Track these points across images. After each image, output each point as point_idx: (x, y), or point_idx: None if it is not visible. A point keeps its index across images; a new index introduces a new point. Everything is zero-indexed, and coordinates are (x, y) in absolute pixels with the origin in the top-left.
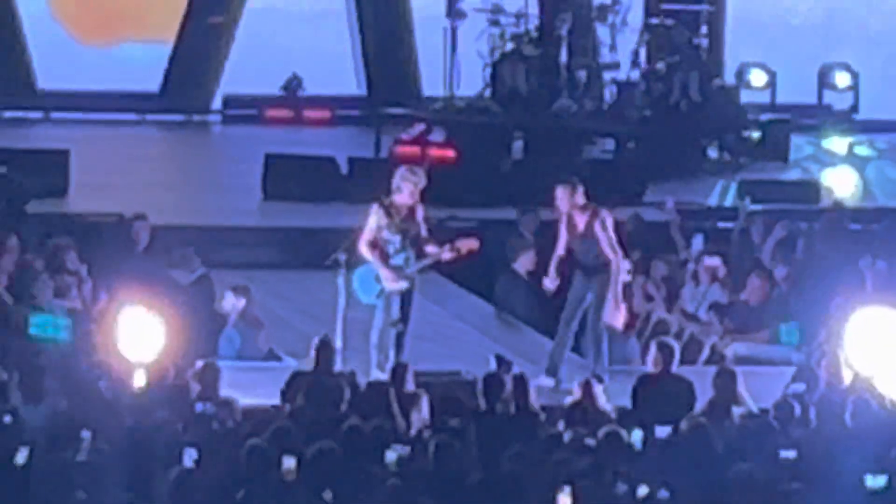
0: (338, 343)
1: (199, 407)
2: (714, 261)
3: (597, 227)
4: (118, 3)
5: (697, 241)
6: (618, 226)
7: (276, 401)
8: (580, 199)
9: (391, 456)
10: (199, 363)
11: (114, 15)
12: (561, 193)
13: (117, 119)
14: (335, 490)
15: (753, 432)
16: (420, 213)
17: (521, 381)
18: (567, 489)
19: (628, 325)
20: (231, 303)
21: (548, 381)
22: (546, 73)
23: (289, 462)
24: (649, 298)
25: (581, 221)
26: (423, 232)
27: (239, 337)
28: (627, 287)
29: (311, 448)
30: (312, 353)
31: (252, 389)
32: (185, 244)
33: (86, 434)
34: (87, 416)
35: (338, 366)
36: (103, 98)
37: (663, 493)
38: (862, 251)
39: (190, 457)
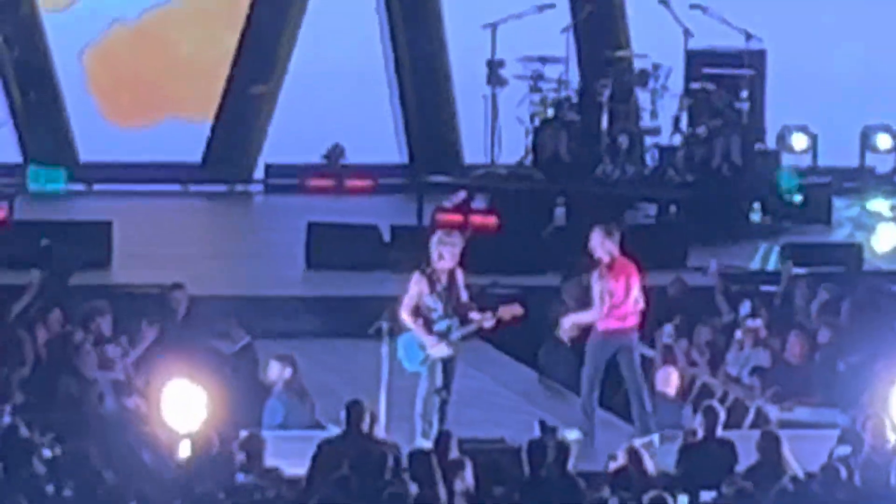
0: (382, 411)
1: (240, 478)
2: (756, 324)
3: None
4: (157, 83)
5: (745, 307)
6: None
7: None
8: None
9: None
10: (244, 433)
11: (153, 96)
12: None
13: (160, 190)
14: None
15: (799, 496)
16: (461, 279)
17: (562, 448)
18: None
19: (678, 391)
20: (276, 372)
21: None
22: (587, 138)
23: None
24: (693, 363)
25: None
26: (465, 298)
27: (283, 407)
28: (671, 352)
29: None
30: (343, 415)
31: (296, 459)
32: (229, 314)
33: None
34: (131, 487)
35: (382, 434)
36: (145, 169)
37: None
38: None
39: None
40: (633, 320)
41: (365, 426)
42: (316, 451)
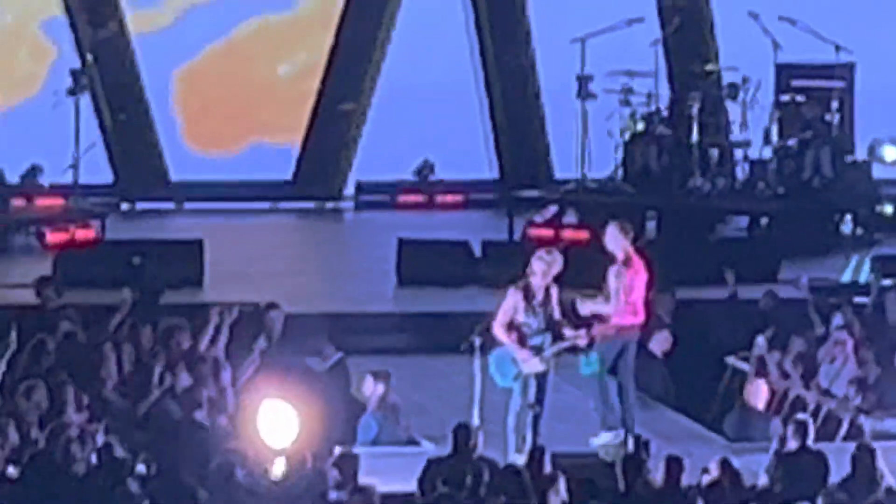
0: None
1: (333, 496)
2: (847, 337)
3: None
4: (244, 107)
5: (837, 319)
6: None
7: (414, 487)
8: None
9: None
10: (338, 450)
11: (239, 121)
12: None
13: (250, 208)
14: None
15: None
16: (556, 295)
17: (676, 463)
18: None
19: (768, 404)
20: (370, 389)
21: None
22: (677, 152)
23: None
24: (785, 376)
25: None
26: (558, 314)
27: (377, 423)
28: (763, 364)
29: None
30: (450, 436)
31: (390, 476)
32: (320, 331)
33: None
34: None
35: (478, 450)
36: (235, 187)
37: None
38: None
39: None
40: (643, 316)
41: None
42: (423, 470)
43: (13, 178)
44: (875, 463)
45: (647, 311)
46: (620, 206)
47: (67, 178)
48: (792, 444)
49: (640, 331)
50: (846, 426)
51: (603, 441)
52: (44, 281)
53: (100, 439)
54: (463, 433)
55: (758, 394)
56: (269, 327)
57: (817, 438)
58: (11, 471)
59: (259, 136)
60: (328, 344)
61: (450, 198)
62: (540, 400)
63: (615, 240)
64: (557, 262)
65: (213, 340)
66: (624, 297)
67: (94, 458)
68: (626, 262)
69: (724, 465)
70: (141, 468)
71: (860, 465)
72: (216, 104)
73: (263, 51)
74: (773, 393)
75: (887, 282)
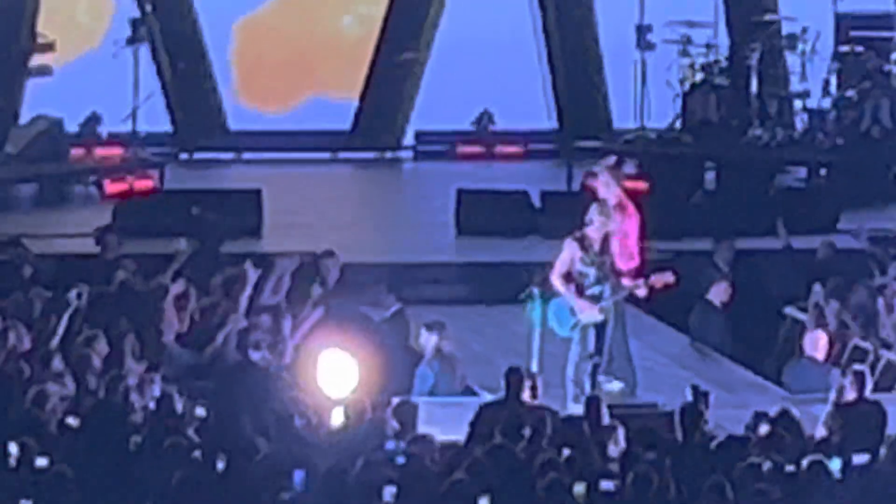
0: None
1: (390, 445)
2: None
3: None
4: (301, 66)
5: (894, 269)
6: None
7: None
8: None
9: (578, 489)
10: (396, 400)
11: (297, 78)
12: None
13: (309, 158)
14: None
15: None
16: (615, 245)
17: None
18: None
19: (828, 355)
20: (426, 339)
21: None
22: (737, 102)
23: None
24: (844, 326)
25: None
26: (619, 265)
27: (433, 374)
28: (821, 314)
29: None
30: (502, 382)
31: (449, 425)
32: (379, 281)
33: (299, 474)
34: (286, 455)
35: (537, 399)
36: (294, 137)
37: None
38: None
39: (389, 494)
40: (637, 260)
41: (524, 394)
42: (475, 415)
43: (72, 127)
44: None
45: (642, 256)
46: (679, 156)
47: (126, 128)
48: (850, 395)
49: (636, 277)
50: None
51: (614, 388)
52: (105, 230)
53: (158, 389)
54: (515, 378)
55: (816, 344)
56: (325, 275)
57: (876, 389)
58: (72, 421)
59: (317, 90)
60: (388, 294)
61: (509, 148)
62: (599, 350)
63: (607, 185)
64: (614, 218)
65: (275, 290)
66: (618, 242)
67: (152, 408)
68: (618, 207)
69: (784, 415)
70: (200, 414)
71: None
72: (273, 59)
73: (322, 4)
74: (831, 343)
75: None
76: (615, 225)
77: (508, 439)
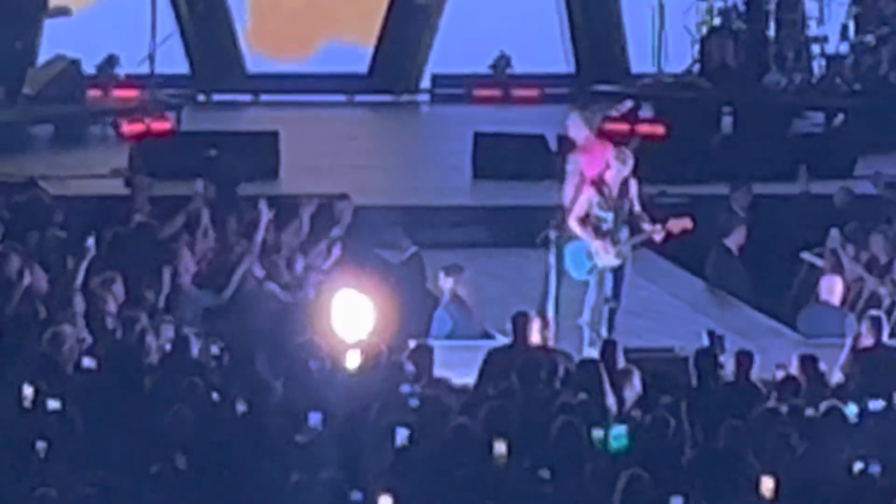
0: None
1: (405, 388)
2: None
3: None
4: (316, 11)
5: None
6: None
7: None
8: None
9: (597, 434)
10: (412, 343)
11: (313, 24)
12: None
13: (326, 101)
14: (551, 467)
15: None
16: (634, 189)
17: (746, 357)
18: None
19: (844, 300)
20: (444, 283)
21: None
22: (754, 47)
23: (500, 447)
24: (861, 271)
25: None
26: (637, 208)
27: (450, 318)
28: (838, 260)
29: (528, 424)
30: (509, 326)
31: (465, 369)
32: (395, 224)
33: (315, 416)
34: (302, 397)
35: (550, 343)
36: (311, 80)
37: (875, 468)
38: None
39: (402, 436)
40: (569, 201)
41: (534, 336)
42: (484, 360)
43: (90, 68)
44: None
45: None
46: (697, 101)
47: (144, 70)
48: (867, 341)
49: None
50: None
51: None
52: (135, 170)
53: (171, 330)
54: (522, 321)
55: (833, 289)
56: (339, 218)
57: (893, 335)
58: (88, 362)
59: (333, 36)
60: (404, 237)
61: (526, 91)
62: (616, 294)
63: (576, 127)
64: (629, 164)
65: (296, 232)
66: (576, 182)
67: (167, 349)
68: (583, 149)
69: (805, 360)
70: (215, 353)
71: None
72: (290, 4)
73: None
74: (848, 289)
75: None
76: (573, 166)
77: (522, 383)
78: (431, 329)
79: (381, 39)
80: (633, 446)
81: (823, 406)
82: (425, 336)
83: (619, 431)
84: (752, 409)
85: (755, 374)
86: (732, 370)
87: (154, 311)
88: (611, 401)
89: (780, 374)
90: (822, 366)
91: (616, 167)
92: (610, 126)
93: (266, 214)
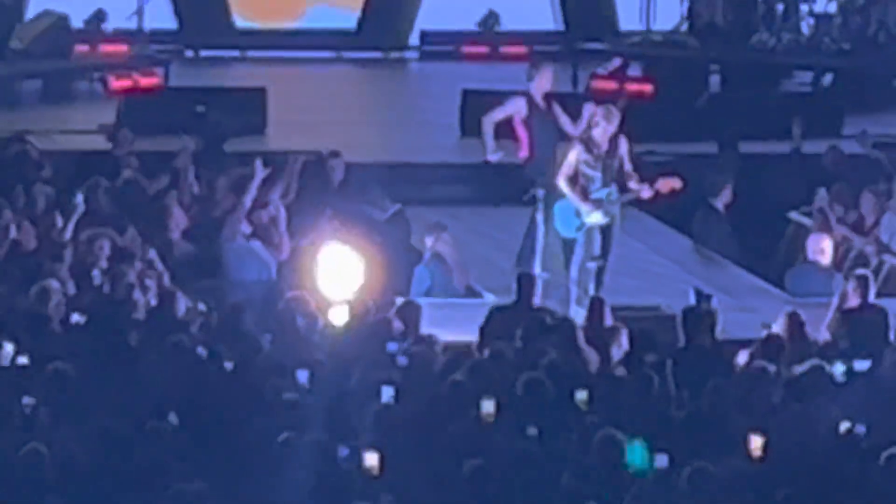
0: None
1: (392, 346)
2: None
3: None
4: None
5: None
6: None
7: (475, 336)
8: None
9: (581, 395)
10: (399, 300)
11: None
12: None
13: (314, 57)
14: (539, 425)
15: None
16: (624, 147)
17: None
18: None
19: (832, 259)
20: (427, 240)
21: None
22: (743, 6)
23: (488, 405)
24: (848, 230)
25: None
26: (628, 167)
27: (429, 275)
28: (826, 219)
29: (519, 381)
30: (514, 286)
31: (451, 326)
32: (382, 181)
33: (303, 374)
34: (289, 353)
35: (537, 300)
36: (300, 36)
37: (860, 429)
38: None
39: (387, 394)
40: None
41: (536, 299)
42: (486, 319)
43: (78, 23)
44: None
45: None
46: (685, 59)
47: (132, 25)
48: (853, 300)
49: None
50: None
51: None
52: (118, 125)
53: (158, 286)
54: (527, 282)
55: (820, 248)
56: (329, 175)
57: (879, 294)
58: (77, 318)
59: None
60: (385, 195)
61: (514, 49)
62: (604, 252)
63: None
64: (615, 121)
65: (285, 190)
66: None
67: (154, 305)
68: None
69: (792, 317)
70: (202, 309)
71: None
72: None
73: None
74: (835, 248)
75: None
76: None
77: (525, 344)
78: (411, 286)
79: None
80: (650, 467)
81: (807, 365)
82: (408, 293)
83: (636, 449)
84: (737, 367)
85: (741, 333)
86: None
87: (142, 266)
88: (594, 358)
89: (763, 333)
90: (807, 324)
91: (603, 125)
92: (598, 84)
93: (261, 173)
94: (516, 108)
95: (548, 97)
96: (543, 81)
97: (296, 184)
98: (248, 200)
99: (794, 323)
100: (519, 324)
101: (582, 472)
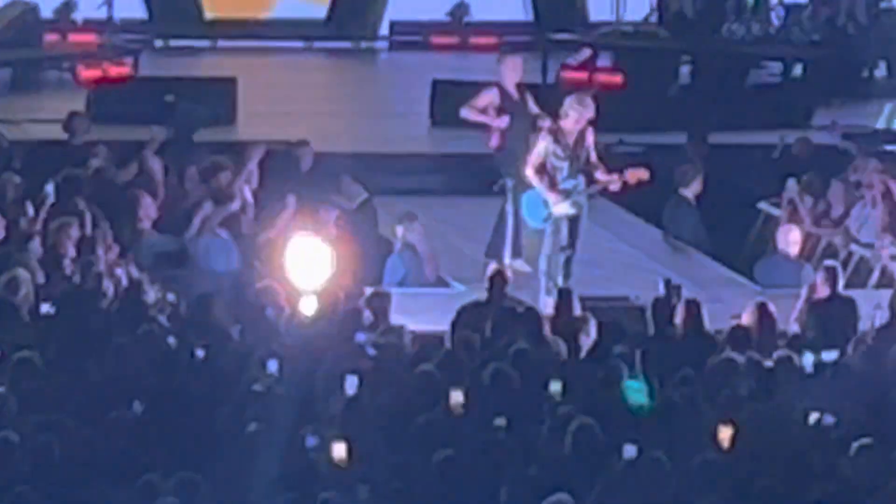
0: (507, 269)
1: (360, 336)
2: (878, 182)
3: None
4: None
5: (870, 165)
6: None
7: (445, 326)
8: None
9: (555, 387)
10: (369, 290)
11: None
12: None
13: (284, 47)
14: (508, 416)
15: None
16: (591, 138)
17: (694, 306)
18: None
19: (800, 250)
20: (397, 229)
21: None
22: None
23: (457, 395)
24: (817, 221)
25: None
26: (594, 158)
27: (403, 265)
28: (795, 210)
29: (486, 371)
30: (486, 282)
31: (420, 316)
32: (352, 171)
33: (273, 365)
34: (259, 343)
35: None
36: (270, 26)
37: (828, 419)
38: None
39: (352, 385)
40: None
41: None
42: (458, 313)
43: (47, 12)
44: None
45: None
46: (655, 50)
47: (102, 14)
48: (822, 292)
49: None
50: (877, 274)
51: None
52: (73, 113)
53: (128, 276)
54: (499, 278)
55: (789, 239)
56: (298, 164)
57: (848, 286)
58: (46, 308)
59: None
60: (353, 183)
61: (484, 39)
62: (572, 242)
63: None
64: (589, 110)
65: (246, 178)
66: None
67: (123, 294)
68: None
69: (761, 308)
70: (171, 299)
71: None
72: None
73: None
74: (805, 239)
75: None
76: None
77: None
78: (384, 276)
79: None
80: (651, 403)
81: (776, 356)
82: (379, 282)
83: (635, 387)
84: (707, 358)
85: (710, 324)
86: (682, 318)
87: (112, 256)
88: (561, 348)
89: (733, 323)
90: (775, 314)
91: (574, 118)
92: (568, 75)
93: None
94: (490, 99)
95: (520, 87)
96: (510, 72)
97: (258, 172)
98: (219, 189)
99: (762, 313)
100: (489, 315)
101: (551, 461)
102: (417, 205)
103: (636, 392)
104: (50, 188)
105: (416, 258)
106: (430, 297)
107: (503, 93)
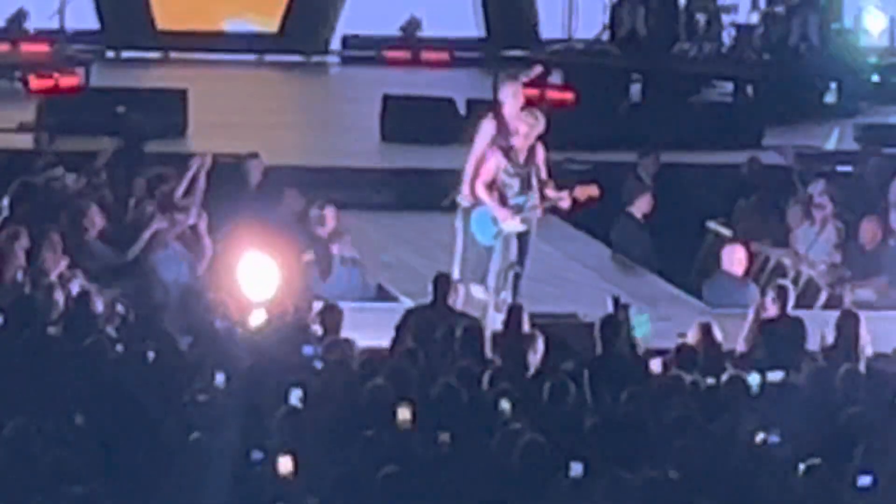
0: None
1: (308, 349)
2: (828, 203)
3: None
4: None
5: (818, 185)
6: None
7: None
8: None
9: (505, 405)
10: (319, 304)
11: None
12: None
13: (236, 60)
14: (453, 432)
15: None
16: (541, 155)
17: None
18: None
19: (747, 270)
20: (332, 248)
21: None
22: (665, 15)
23: (404, 411)
24: (765, 241)
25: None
26: (544, 175)
27: (345, 279)
28: (744, 230)
29: (433, 388)
30: (430, 287)
31: (366, 330)
32: (301, 185)
33: (220, 377)
34: (208, 354)
35: (458, 306)
36: (221, 39)
37: (773, 439)
38: None
39: (296, 397)
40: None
41: (451, 299)
42: (402, 318)
43: None
44: (858, 331)
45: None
46: (606, 68)
47: (53, 24)
48: (771, 311)
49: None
50: (825, 294)
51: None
52: (37, 126)
53: (77, 286)
54: (443, 282)
55: (734, 259)
56: (247, 177)
57: (796, 306)
58: None
59: (236, 15)
60: (299, 197)
61: (435, 55)
62: (521, 259)
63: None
64: (541, 124)
65: (190, 189)
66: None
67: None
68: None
69: (705, 329)
70: (120, 311)
71: (844, 331)
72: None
73: None
74: (751, 259)
75: (871, 151)
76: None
77: (425, 343)
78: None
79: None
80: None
81: (725, 376)
82: (327, 296)
83: (641, 319)
84: (653, 377)
85: (659, 343)
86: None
87: (62, 266)
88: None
89: (679, 342)
90: (718, 334)
91: (524, 133)
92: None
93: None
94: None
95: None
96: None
97: (202, 184)
98: (167, 200)
99: (706, 333)
100: (434, 325)
101: (498, 478)
102: (368, 219)
103: (643, 324)
104: (5, 202)
105: (356, 270)
106: (378, 311)
107: (499, 123)
